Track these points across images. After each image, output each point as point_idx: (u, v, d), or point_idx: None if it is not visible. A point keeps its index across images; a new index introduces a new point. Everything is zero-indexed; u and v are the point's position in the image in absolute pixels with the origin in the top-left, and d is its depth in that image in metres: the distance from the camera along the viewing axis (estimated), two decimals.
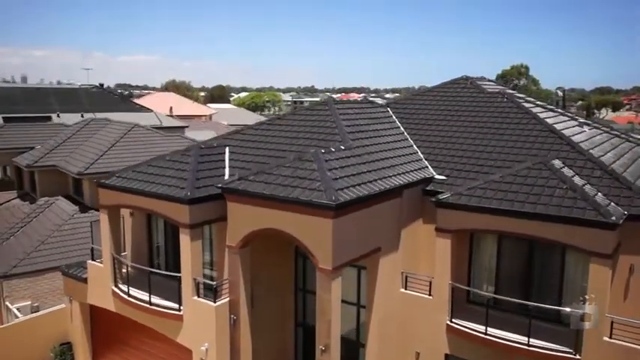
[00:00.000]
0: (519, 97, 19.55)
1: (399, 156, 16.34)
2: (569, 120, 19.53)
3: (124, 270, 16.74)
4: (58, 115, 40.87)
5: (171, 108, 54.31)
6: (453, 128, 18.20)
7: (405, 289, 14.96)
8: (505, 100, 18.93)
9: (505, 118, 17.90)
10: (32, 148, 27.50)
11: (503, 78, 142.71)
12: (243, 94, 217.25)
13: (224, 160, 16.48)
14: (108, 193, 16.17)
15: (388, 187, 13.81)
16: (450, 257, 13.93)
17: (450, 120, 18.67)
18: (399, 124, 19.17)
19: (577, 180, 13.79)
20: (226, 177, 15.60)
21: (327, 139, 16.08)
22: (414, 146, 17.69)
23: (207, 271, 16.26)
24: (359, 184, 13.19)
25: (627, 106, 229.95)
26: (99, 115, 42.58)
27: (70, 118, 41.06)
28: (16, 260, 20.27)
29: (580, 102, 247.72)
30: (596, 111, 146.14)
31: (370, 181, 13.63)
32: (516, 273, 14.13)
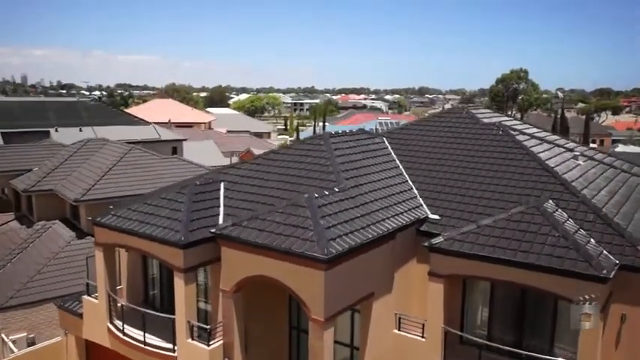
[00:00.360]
0: (514, 130, 19.56)
1: (394, 194, 16.38)
2: (563, 152, 19.58)
3: (119, 304, 16.81)
4: (57, 130, 40.96)
5: (169, 120, 54.35)
6: (448, 162, 18.24)
7: (399, 330, 15.03)
8: (500, 133, 18.98)
9: (500, 153, 17.94)
10: (29, 170, 27.54)
11: (503, 82, 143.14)
12: (242, 97, 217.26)
13: (219, 198, 16.52)
14: (103, 232, 16.23)
15: (381, 232, 13.86)
16: (443, 301, 13.98)
17: (446, 153, 18.71)
18: (395, 157, 19.22)
19: (569, 225, 13.85)
20: (221, 217, 15.68)
21: (322, 177, 16.14)
22: (409, 181, 17.73)
23: (202, 305, 16.38)
24: (352, 232, 13.23)
25: (627, 109, 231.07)
26: (97, 129, 42.75)
27: (69, 132, 41.17)
28: (13, 291, 20.34)
29: (580, 104, 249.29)
30: (596, 116, 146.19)
31: (363, 227, 13.67)
32: (509, 317, 14.17)
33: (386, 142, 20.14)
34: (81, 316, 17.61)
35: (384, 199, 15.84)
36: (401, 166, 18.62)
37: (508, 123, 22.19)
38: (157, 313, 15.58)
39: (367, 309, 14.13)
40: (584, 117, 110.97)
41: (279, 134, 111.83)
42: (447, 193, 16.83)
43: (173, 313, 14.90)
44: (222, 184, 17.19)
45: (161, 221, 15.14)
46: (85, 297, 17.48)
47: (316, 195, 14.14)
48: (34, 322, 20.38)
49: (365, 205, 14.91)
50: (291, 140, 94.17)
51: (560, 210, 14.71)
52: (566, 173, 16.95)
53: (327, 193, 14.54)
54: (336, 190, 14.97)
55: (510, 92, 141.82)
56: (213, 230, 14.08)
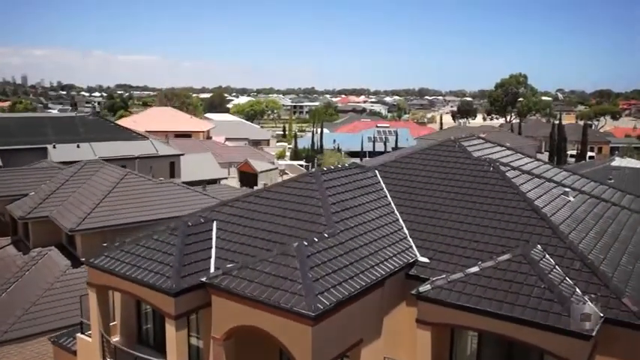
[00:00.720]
0: (504, 165, 19.72)
1: (385, 236, 16.53)
2: (554, 187, 19.75)
3: (112, 342, 16.98)
4: (54, 147, 41.14)
5: (167, 135, 54.65)
6: (439, 200, 18.40)
7: None
8: (491, 169, 19.14)
9: (490, 191, 18.09)
10: (26, 194, 27.71)
11: (502, 87, 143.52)
12: (242, 100, 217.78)
13: (211, 239, 16.68)
14: (96, 273, 16.39)
15: (371, 281, 14.03)
16: (431, 347, 14.14)
17: (437, 190, 18.87)
18: (386, 192, 19.39)
19: (555, 274, 14.02)
20: (212, 260, 15.85)
21: (313, 219, 16.29)
22: (400, 220, 17.89)
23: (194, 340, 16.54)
24: (340, 283, 13.39)
25: (627, 111, 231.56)
26: (95, 145, 42.94)
27: (66, 149, 41.39)
28: (7, 325, 20.50)
29: (580, 106, 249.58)
30: (595, 120, 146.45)
31: (352, 277, 13.82)
32: None
33: (378, 176, 20.31)
34: (75, 353, 17.78)
35: (375, 242, 15.99)
36: (392, 203, 18.78)
37: (500, 154, 22.46)
38: (149, 357, 15.73)
39: (356, 355, 14.29)
40: (582, 122, 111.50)
41: (277, 141, 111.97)
42: (436, 233, 16.97)
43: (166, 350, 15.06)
44: (214, 224, 17.35)
45: (153, 265, 15.30)
46: (79, 335, 17.67)
47: (305, 243, 14.29)
48: (29, 356, 20.51)
49: (354, 250, 15.06)
50: (289, 147, 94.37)
51: (547, 256, 14.88)
52: (555, 214, 17.14)
53: (316, 239, 14.69)
54: (326, 235, 15.12)
55: (510, 97, 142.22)
56: (203, 279, 14.25)
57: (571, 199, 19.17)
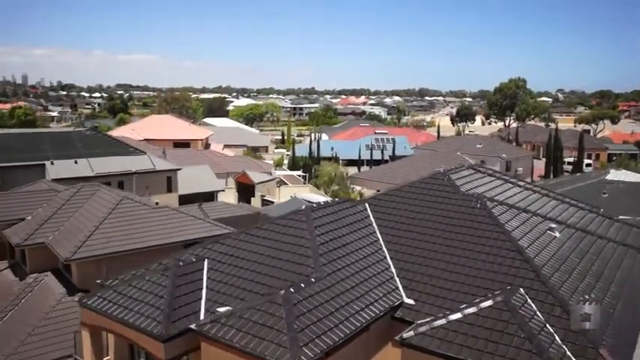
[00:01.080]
0: (491, 200, 20.07)
1: (372, 276, 16.88)
2: (541, 222, 20.10)
3: None
4: (52, 163, 41.48)
5: (164, 150, 55.10)
6: (426, 237, 18.74)
7: None
8: (478, 205, 19.47)
9: (477, 229, 18.43)
10: (23, 219, 28.05)
11: (501, 91, 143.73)
12: (242, 102, 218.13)
13: (202, 280, 17.04)
14: (89, 314, 16.76)
15: (356, 328, 14.36)
16: None
17: (425, 227, 19.21)
18: (376, 228, 19.75)
19: (536, 322, 14.36)
20: (203, 302, 16.21)
21: (301, 261, 16.64)
22: (388, 258, 18.24)
23: None
24: (326, 332, 13.73)
25: (626, 113, 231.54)
26: (92, 161, 43.31)
27: (64, 165, 41.75)
28: (3, 357, 20.81)
29: (579, 107, 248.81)
30: (594, 125, 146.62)
31: (338, 324, 14.17)
32: None
33: (368, 211, 20.67)
34: None
35: (362, 284, 16.31)
36: (381, 240, 19.13)
37: (489, 185, 22.81)
38: None
39: None
40: (581, 126, 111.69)
41: (276, 147, 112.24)
42: (422, 273, 17.30)
43: None
44: (205, 263, 17.71)
45: (144, 309, 15.66)
46: None
47: (292, 290, 14.64)
48: None
49: (341, 295, 15.38)
50: (287, 154, 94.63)
51: (529, 301, 15.22)
52: (539, 254, 17.49)
53: (303, 285, 15.04)
54: (313, 280, 15.45)
55: (508, 101, 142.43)
56: (192, 326, 14.60)
57: (557, 234, 19.52)
